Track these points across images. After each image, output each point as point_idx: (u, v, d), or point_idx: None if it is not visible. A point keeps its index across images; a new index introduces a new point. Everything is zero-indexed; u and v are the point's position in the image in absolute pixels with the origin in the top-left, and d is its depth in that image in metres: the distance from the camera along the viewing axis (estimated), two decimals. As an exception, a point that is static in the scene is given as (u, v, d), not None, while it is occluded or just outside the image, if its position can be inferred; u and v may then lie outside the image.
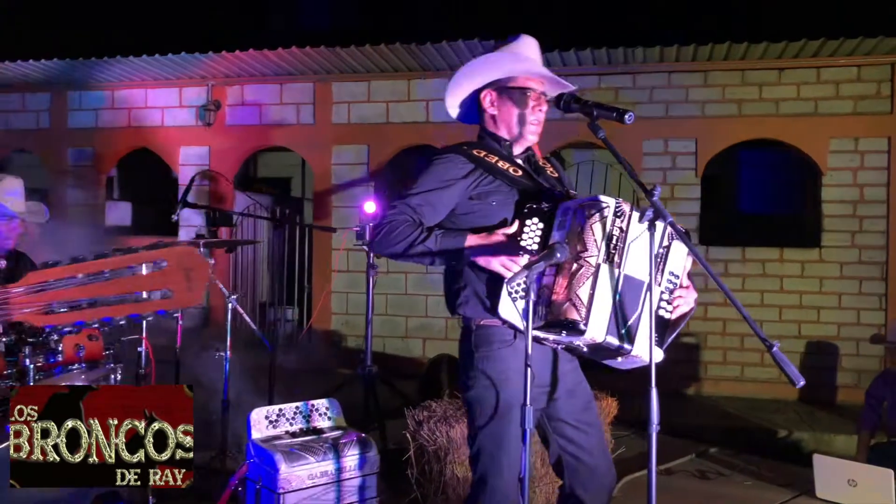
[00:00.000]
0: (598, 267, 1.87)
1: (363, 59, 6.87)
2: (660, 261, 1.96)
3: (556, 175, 2.34)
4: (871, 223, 6.34)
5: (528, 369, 1.75)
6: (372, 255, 4.52)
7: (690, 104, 6.65)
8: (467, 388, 2.13)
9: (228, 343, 3.43)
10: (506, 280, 1.84)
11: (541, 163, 2.34)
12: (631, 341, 1.88)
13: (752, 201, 9.28)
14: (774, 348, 1.54)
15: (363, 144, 7.30)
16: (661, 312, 1.98)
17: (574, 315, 1.83)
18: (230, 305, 3.44)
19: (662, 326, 1.97)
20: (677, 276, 2.03)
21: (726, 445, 5.12)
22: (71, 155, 8.03)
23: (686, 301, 2.06)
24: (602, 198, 1.92)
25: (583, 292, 1.84)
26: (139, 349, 3.12)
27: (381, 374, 4.30)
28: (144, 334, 3.03)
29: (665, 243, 1.96)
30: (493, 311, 2.00)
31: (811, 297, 6.41)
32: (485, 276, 2.05)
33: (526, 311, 1.76)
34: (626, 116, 1.85)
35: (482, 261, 2.00)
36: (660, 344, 1.94)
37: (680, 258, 2.03)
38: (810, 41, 5.97)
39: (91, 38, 8.08)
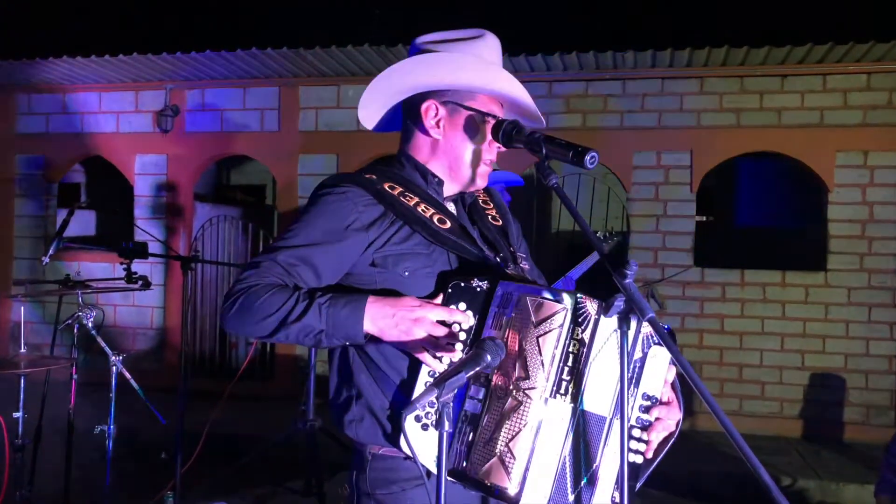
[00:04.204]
0: (544, 404, 1.27)
1: (330, 62, 6.33)
2: (632, 381, 1.33)
3: (500, 223, 1.67)
4: (881, 245, 5.81)
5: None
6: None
7: (685, 113, 6.11)
8: None
9: (112, 416, 2.86)
10: (404, 409, 1.17)
11: (480, 201, 1.68)
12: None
13: (752, 215, 8.73)
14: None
15: (332, 153, 6.76)
16: (632, 457, 1.35)
17: (502, 479, 1.24)
18: (115, 369, 2.86)
19: (633, 474, 1.35)
20: (655, 399, 1.39)
21: (723, 500, 4.59)
22: (19, 162, 7.46)
23: (665, 424, 1.39)
24: (557, 294, 1.30)
25: (519, 445, 1.24)
26: (15, 415, 2.57)
27: (325, 426, 3.75)
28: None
29: (639, 353, 1.33)
30: (393, 440, 1.41)
31: (816, 325, 5.88)
32: (388, 381, 1.43)
33: (440, 447, 1.16)
34: (588, 158, 1.26)
35: (396, 342, 1.36)
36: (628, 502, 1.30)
37: (660, 371, 1.38)
38: (816, 46, 5.45)
39: (38, 36, 7.50)
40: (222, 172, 10.18)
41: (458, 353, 1.35)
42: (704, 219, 8.56)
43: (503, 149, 1.55)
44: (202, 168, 7.30)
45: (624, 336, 1.19)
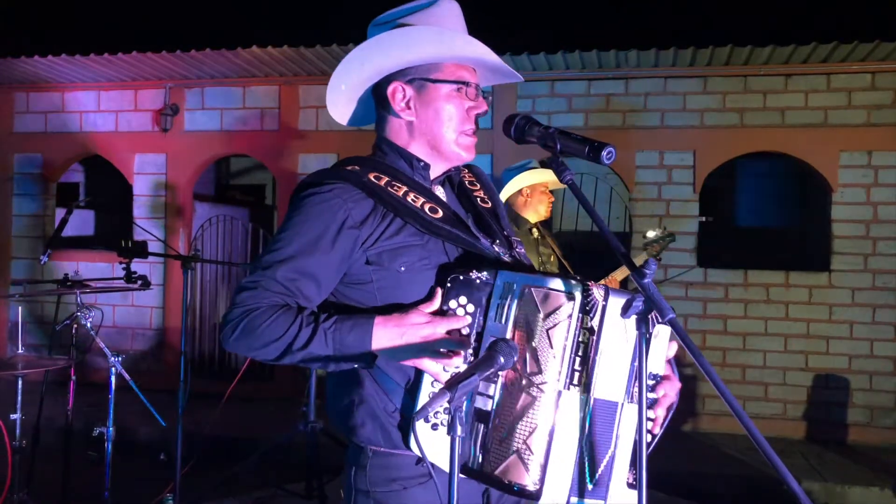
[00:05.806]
0: (558, 396, 1.23)
1: (331, 61, 6.29)
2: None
3: (489, 205, 1.60)
4: (885, 245, 5.77)
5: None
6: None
7: (688, 113, 6.07)
8: None
9: (111, 418, 2.81)
10: (415, 413, 1.19)
11: (466, 181, 1.61)
12: (604, 494, 1.28)
13: (755, 215, 8.69)
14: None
15: (332, 153, 6.71)
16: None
17: (522, 476, 1.21)
18: (114, 370, 2.82)
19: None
20: (659, 376, 1.39)
21: (725, 502, 4.56)
22: (17, 161, 7.41)
23: (668, 398, 1.39)
24: (563, 283, 1.26)
25: (536, 440, 1.22)
26: (12, 416, 2.53)
27: (326, 428, 3.71)
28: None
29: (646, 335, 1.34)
30: (402, 442, 1.38)
31: (820, 326, 5.84)
32: (391, 387, 1.39)
33: (452, 452, 1.13)
34: (605, 153, 1.23)
35: (409, 360, 1.33)
36: (636, 483, 1.29)
37: (662, 349, 1.39)
38: (820, 45, 5.41)
39: (37, 34, 7.46)
40: (222, 172, 10.14)
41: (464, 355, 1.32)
42: (706, 219, 8.51)
43: (483, 111, 1.49)
44: (202, 168, 7.25)
45: (642, 338, 1.16)
